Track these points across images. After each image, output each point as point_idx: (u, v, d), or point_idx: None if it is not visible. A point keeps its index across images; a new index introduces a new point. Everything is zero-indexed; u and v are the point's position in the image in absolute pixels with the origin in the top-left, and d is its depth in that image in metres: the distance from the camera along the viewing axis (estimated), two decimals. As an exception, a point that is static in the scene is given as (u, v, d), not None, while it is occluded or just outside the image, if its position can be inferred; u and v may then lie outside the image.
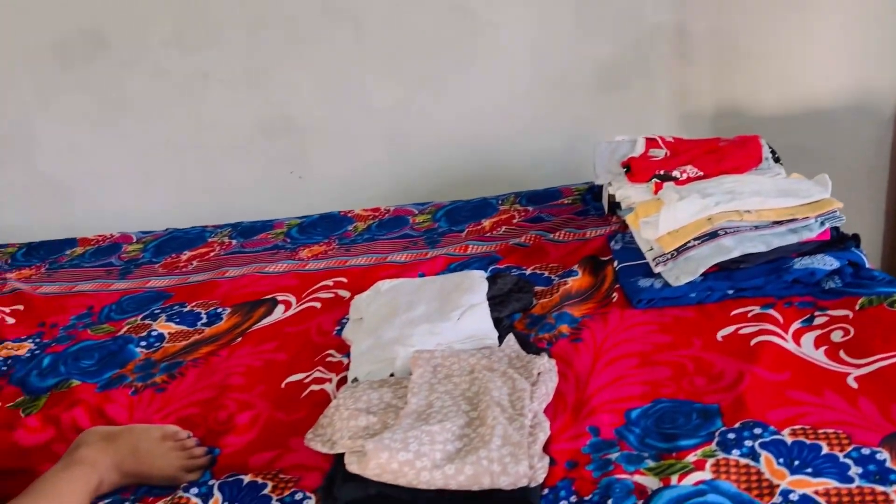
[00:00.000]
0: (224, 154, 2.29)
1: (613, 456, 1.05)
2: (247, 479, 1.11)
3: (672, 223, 1.45)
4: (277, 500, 1.06)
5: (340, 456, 1.06)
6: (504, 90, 2.20)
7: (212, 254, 1.94)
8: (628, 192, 1.68)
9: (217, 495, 1.09)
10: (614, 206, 1.76)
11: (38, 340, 1.60)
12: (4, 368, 1.49)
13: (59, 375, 1.44)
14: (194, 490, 1.10)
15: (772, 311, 1.31)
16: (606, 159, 1.82)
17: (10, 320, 1.68)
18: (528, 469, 0.96)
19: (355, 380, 1.26)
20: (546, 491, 1.00)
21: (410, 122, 2.25)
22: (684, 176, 1.65)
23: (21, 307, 1.73)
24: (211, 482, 1.11)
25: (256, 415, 1.25)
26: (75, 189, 2.35)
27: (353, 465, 1.00)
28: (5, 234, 2.22)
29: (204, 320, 1.60)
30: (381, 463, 0.97)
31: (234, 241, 2.00)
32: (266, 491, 1.08)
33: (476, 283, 1.47)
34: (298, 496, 1.06)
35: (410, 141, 2.26)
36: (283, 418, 1.24)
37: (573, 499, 0.99)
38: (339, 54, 2.20)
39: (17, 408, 1.36)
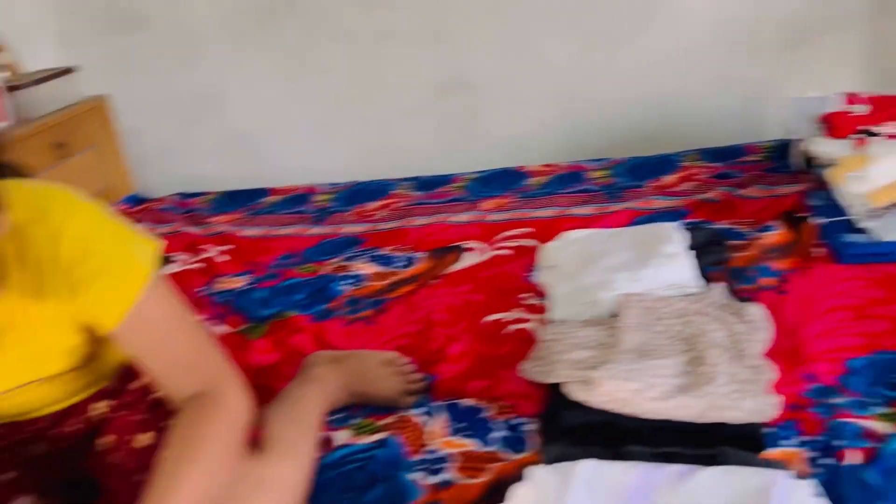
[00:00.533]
0: (402, 111, 2.38)
1: (838, 401, 1.04)
2: (467, 403, 1.18)
3: (885, 177, 1.40)
4: (500, 422, 1.12)
5: (556, 386, 1.12)
6: (683, 46, 2.17)
7: (396, 204, 2.03)
8: (827, 148, 1.63)
9: (443, 415, 1.16)
10: (808, 162, 1.71)
11: (251, 276, 1.73)
12: (224, 300, 1.64)
13: (275, 307, 1.57)
14: (420, 410, 1.18)
15: None
16: (800, 115, 1.77)
17: (223, 258, 1.83)
18: (758, 405, 0.97)
19: (555, 320, 1.31)
20: (770, 430, 1.01)
21: (585, 78, 2.26)
22: (890, 131, 1.59)
23: (231, 247, 1.88)
24: (433, 404, 1.19)
25: (466, 348, 1.32)
26: (263, 143, 2.51)
27: (578, 393, 1.05)
28: (201, 184, 2.41)
29: (399, 263, 1.69)
30: (608, 391, 1.01)
31: (415, 194, 2.08)
32: (486, 415, 1.15)
33: (672, 233, 1.48)
34: (518, 421, 1.12)
35: (585, 98, 2.27)
36: (490, 352, 1.30)
37: (799, 438, 0.99)
38: (517, 12, 2.23)
39: (243, 333, 1.49)
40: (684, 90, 2.20)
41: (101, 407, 1.06)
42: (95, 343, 0.99)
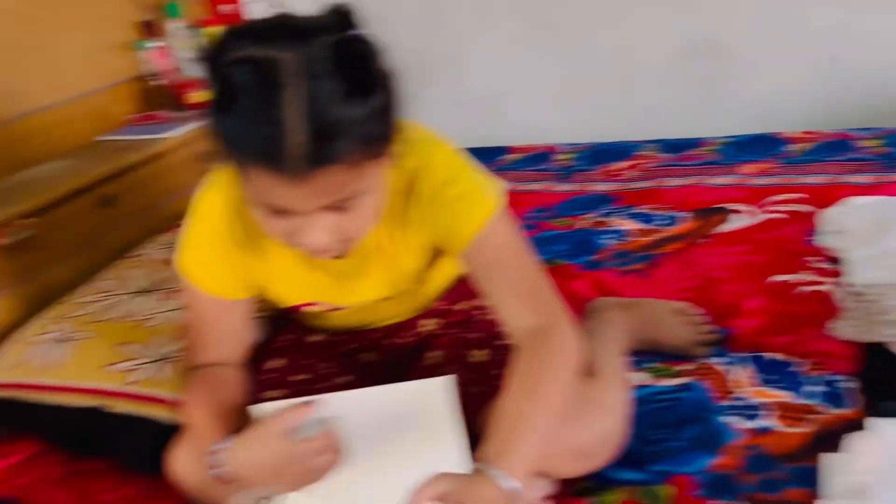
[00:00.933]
0: (646, 73, 2.35)
1: None
2: (771, 356, 1.16)
3: None
4: (814, 378, 1.10)
5: (873, 346, 1.07)
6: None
7: (645, 165, 2.02)
8: None
9: (748, 366, 1.15)
10: None
11: (508, 226, 1.78)
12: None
13: (543, 255, 1.60)
14: (721, 359, 1.18)
15: None
16: None
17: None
18: None
19: (855, 284, 1.26)
20: None
21: (849, 43, 2.13)
22: None
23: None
24: (731, 354, 1.18)
25: (761, 304, 1.30)
26: (501, 104, 2.56)
27: (915, 352, 1.00)
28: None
29: (662, 221, 1.68)
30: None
31: (662, 156, 2.06)
32: (797, 369, 1.13)
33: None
34: (834, 378, 1.09)
35: (849, 65, 2.14)
36: (789, 309, 1.27)
37: None
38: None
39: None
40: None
41: (430, 324, 1.14)
42: (435, 264, 1.07)
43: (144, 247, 1.52)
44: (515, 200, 1.89)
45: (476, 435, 1.00)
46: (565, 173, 2.07)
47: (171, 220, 1.66)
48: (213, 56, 0.76)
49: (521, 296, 0.96)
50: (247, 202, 0.84)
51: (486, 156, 2.29)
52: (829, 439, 0.98)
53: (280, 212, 0.80)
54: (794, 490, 0.94)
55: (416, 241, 0.99)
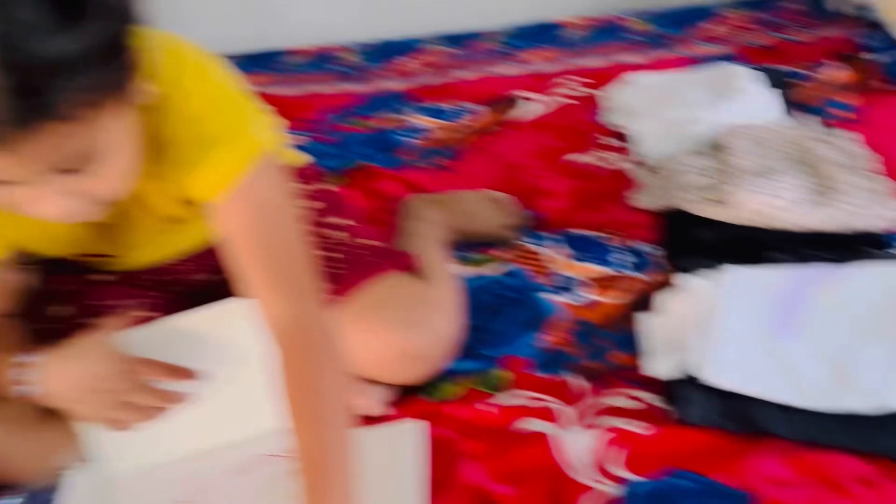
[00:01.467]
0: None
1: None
2: (579, 233, 1.21)
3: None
4: (622, 249, 1.16)
5: (673, 213, 1.15)
6: None
7: (433, 60, 1.99)
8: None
9: (556, 245, 1.20)
10: (854, 5, 1.74)
11: (304, 133, 1.70)
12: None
13: (346, 160, 1.55)
14: (534, 240, 1.21)
15: None
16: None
17: (267, 117, 1.78)
18: (888, 212, 1.03)
19: (645, 156, 1.34)
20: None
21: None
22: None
23: (271, 108, 1.83)
24: (543, 234, 1.22)
25: (562, 184, 1.34)
26: (270, 2, 2.38)
27: (706, 209, 1.09)
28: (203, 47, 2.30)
29: (457, 115, 1.68)
30: (746, 204, 1.05)
31: (449, 49, 2.04)
32: (605, 242, 1.19)
33: (740, 72, 1.50)
34: (640, 247, 1.16)
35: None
36: (588, 187, 1.33)
37: (916, 244, 1.06)
38: None
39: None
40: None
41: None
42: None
43: None
44: (304, 104, 1.84)
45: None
46: (355, 72, 2.00)
47: None
48: None
49: (273, 275, 0.78)
50: None
51: (264, 60, 2.16)
52: (644, 303, 1.05)
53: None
54: (618, 354, 1.00)
55: (175, 193, 0.83)
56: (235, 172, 0.76)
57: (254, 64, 2.14)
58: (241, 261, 0.78)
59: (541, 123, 1.59)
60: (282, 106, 1.81)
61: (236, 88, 0.81)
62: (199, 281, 1.06)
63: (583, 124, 1.55)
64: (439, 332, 0.96)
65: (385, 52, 2.08)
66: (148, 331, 0.92)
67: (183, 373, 0.91)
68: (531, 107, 1.66)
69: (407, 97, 1.80)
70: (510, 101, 1.69)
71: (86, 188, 0.67)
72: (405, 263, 1.02)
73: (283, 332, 0.78)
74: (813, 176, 1.11)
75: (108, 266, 1.00)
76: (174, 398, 0.91)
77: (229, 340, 0.91)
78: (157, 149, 0.76)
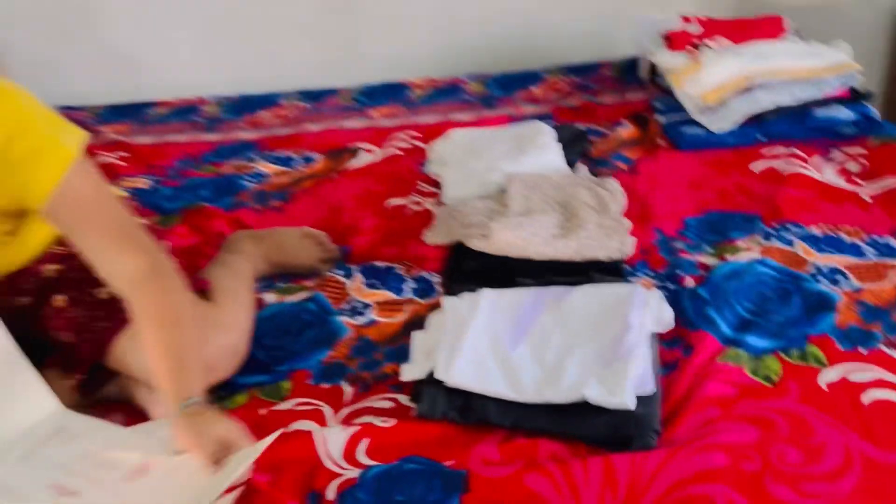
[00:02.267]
0: (286, 28, 2.46)
1: (678, 245, 1.32)
2: (379, 265, 1.37)
3: (713, 78, 1.69)
4: (410, 278, 1.32)
5: (456, 248, 1.33)
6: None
7: (287, 114, 2.15)
8: (669, 59, 1.91)
9: (358, 275, 1.35)
10: (654, 73, 2.00)
11: (152, 177, 1.82)
12: (130, 196, 1.72)
13: (185, 201, 1.68)
14: (340, 272, 1.36)
15: (797, 151, 1.58)
16: (646, 33, 2.04)
17: (121, 164, 1.89)
18: (619, 244, 1.23)
19: (447, 201, 1.52)
20: (627, 267, 1.27)
21: (457, 2, 2.44)
22: (718, 44, 1.89)
23: (126, 154, 1.95)
24: (350, 266, 1.37)
25: (375, 223, 1.50)
26: (143, 58, 2.51)
27: (476, 244, 1.26)
28: (79, 100, 2.40)
29: (299, 162, 1.84)
30: (501, 238, 1.23)
31: (304, 104, 2.21)
32: (398, 272, 1.34)
33: (544, 129, 1.71)
34: (425, 276, 1.33)
35: (458, 19, 2.45)
36: (396, 226, 1.49)
37: (649, 272, 1.26)
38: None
39: (157, 223, 1.59)
40: (549, 11, 2.43)
41: (52, 269, 1.16)
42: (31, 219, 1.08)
43: None
44: (162, 152, 1.97)
45: (107, 368, 1.08)
46: (212, 123, 2.14)
47: None
48: None
49: (118, 241, 0.99)
50: None
51: (132, 112, 2.28)
52: (419, 323, 1.21)
53: None
54: (389, 365, 1.14)
55: (4, 203, 0.99)
56: (58, 175, 0.95)
57: (120, 114, 2.25)
58: (91, 240, 0.98)
59: (370, 171, 1.76)
60: (139, 153, 1.95)
61: (43, 114, 0.98)
62: (12, 303, 1.16)
63: (407, 172, 1.72)
64: (223, 346, 1.09)
65: (244, 106, 2.23)
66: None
67: None
68: (366, 157, 1.83)
69: (257, 146, 1.95)
70: (349, 152, 1.86)
71: None
72: (198, 287, 1.15)
73: (142, 280, 0.98)
74: (567, 217, 1.30)
75: None
76: None
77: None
78: None
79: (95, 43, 2.48)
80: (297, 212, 1.61)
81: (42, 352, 1.14)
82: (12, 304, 1.15)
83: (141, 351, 1.01)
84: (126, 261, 0.98)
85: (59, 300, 1.13)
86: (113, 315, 1.09)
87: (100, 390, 1.12)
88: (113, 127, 2.16)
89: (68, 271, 1.15)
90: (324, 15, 2.47)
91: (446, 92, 2.19)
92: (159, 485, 0.91)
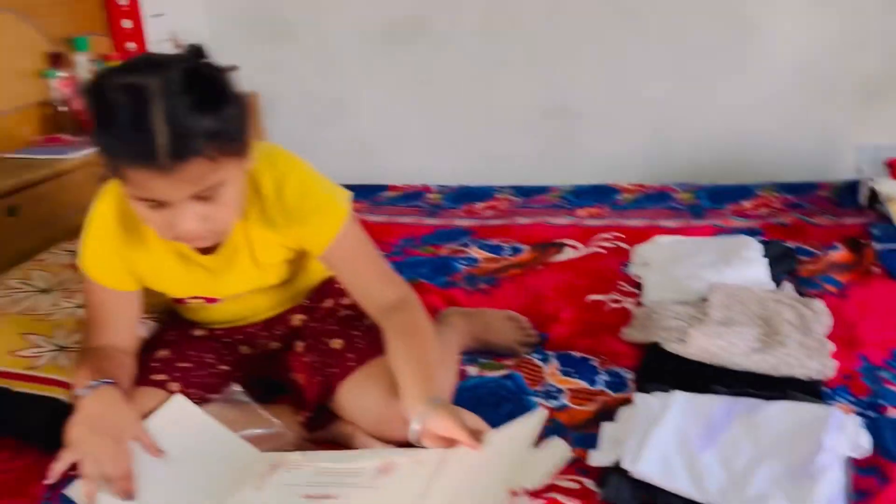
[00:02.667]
0: (509, 128, 2.69)
1: (884, 374, 1.30)
2: (576, 354, 1.46)
3: (939, 211, 1.65)
4: (604, 371, 1.40)
5: (652, 347, 1.39)
6: (768, 90, 2.43)
7: (500, 206, 2.33)
8: (891, 187, 1.88)
9: (554, 361, 1.45)
10: (873, 199, 1.96)
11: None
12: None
13: (406, 276, 1.85)
14: (538, 356, 1.46)
15: None
16: (869, 159, 2.02)
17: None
18: (820, 365, 1.23)
19: (645, 302, 1.59)
20: (827, 389, 1.26)
21: (677, 112, 2.54)
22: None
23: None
24: (547, 352, 1.47)
25: (574, 315, 1.60)
26: (379, 146, 2.84)
27: (672, 346, 1.32)
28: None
29: (507, 252, 1.99)
30: (700, 345, 1.28)
31: (517, 199, 2.38)
32: (593, 363, 1.43)
33: (751, 243, 1.74)
34: (619, 370, 1.40)
35: (675, 129, 2.54)
36: (594, 319, 1.58)
37: (850, 397, 1.25)
38: (620, 49, 2.52)
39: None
40: (766, 129, 2.46)
41: (299, 319, 1.37)
42: (300, 264, 1.31)
43: (47, 252, 1.68)
44: (389, 231, 2.21)
45: (327, 408, 1.25)
46: (434, 209, 2.36)
47: (71, 232, 1.83)
48: (94, 87, 1.00)
49: (379, 278, 1.24)
50: (130, 203, 1.05)
51: (368, 192, 2.57)
52: (609, 414, 1.28)
53: (156, 204, 1.02)
54: (577, 449, 1.22)
55: (276, 241, 1.22)
56: (336, 228, 1.19)
57: (358, 194, 2.53)
58: (358, 277, 1.22)
59: (573, 266, 1.87)
60: (370, 230, 2.20)
61: (322, 178, 1.23)
62: (265, 346, 1.37)
63: (608, 271, 1.81)
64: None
65: (463, 196, 2.44)
66: (173, 412, 1.20)
67: (155, 450, 1.13)
68: (570, 252, 1.95)
69: (471, 233, 2.14)
70: (555, 246, 1.99)
71: (211, 214, 1.04)
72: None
73: (393, 308, 1.20)
74: (767, 331, 1.33)
75: (210, 314, 1.33)
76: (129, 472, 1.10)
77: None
78: (269, 208, 1.16)
79: (344, 130, 2.84)
80: (502, 296, 1.75)
81: (278, 389, 1.35)
82: (266, 347, 1.37)
83: (364, 394, 1.18)
84: (386, 292, 1.21)
85: (300, 346, 1.33)
86: (341, 363, 1.26)
87: (323, 429, 1.28)
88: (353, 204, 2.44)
89: (310, 321, 1.36)
90: (541, 117, 2.67)
91: (655, 198, 2.27)
92: (440, 475, 1.01)
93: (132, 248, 1.19)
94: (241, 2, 2.81)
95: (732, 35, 2.42)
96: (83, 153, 1.93)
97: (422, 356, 1.16)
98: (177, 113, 0.95)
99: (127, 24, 2.28)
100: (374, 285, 1.22)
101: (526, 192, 2.43)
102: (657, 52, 2.50)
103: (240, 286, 1.28)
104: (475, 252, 2.00)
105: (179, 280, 1.25)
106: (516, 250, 1.99)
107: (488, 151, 2.74)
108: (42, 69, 2.07)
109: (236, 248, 1.21)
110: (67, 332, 1.39)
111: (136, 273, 1.22)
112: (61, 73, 2.08)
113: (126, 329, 1.25)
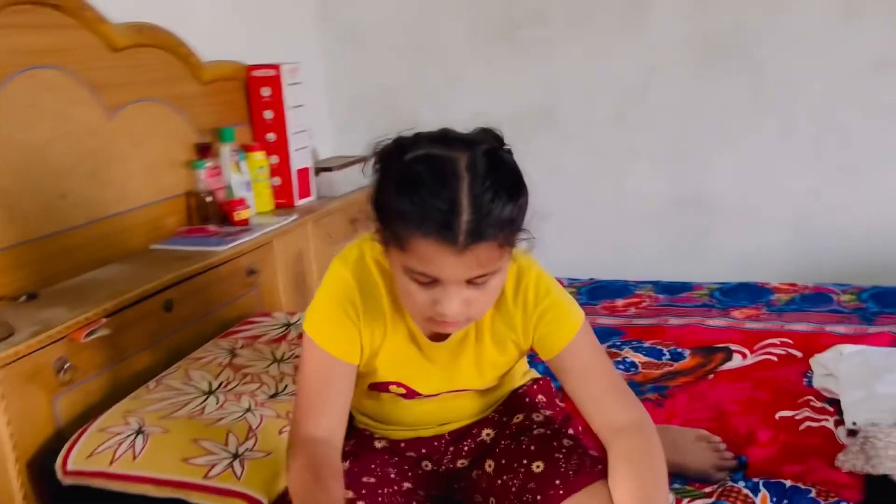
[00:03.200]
0: (642, 219, 2.59)
1: None
2: (786, 483, 1.31)
3: None
4: (821, 501, 1.25)
5: (882, 479, 1.24)
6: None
7: (643, 304, 2.22)
8: None
9: (764, 491, 1.30)
10: None
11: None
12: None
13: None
14: (742, 484, 1.32)
15: None
16: None
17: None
18: None
19: (854, 423, 1.43)
20: None
21: (821, 207, 2.41)
22: None
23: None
24: (753, 480, 1.33)
25: (773, 436, 1.45)
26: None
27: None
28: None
29: (667, 356, 1.86)
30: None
31: (660, 296, 2.26)
32: (811, 495, 1.27)
33: (954, 357, 1.58)
34: (837, 501, 1.24)
35: (822, 225, 2.41)
36: (797, 442, 1.43)
37: None
38: (760, 143, 2.43)
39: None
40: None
41: (487, 434, 1.27)
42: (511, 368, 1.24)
43: (203, 350, 1.63)
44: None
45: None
46: (572, 306, 2.26)
47: (223, 326, 1.78)
48: (393, 153, 0.99)
49: (612, 395, 1.14)
50: (396, 273, 1.02)
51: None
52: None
53: (430, 281, 0.98)
54: None
55: (508, 337, 1.16)
56: (572, 333, 1.13)
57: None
58: (589, 388, 1.13)
59: (746, 375, 1.73)
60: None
61: (557, 283, 1.17)
62: (450, 463, 1.27)
63: (788, 382, 1.67)
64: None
65: (597, 291, 2.34)
66: None
67: None
68: (738, 360, 1.81)
69: (621, 333, 2.02)
70: (721, 351, 1.85)
71: (475, 300, 1.00)
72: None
73: (623, 430, 1.10)
74: None
75: (402, 411, 1.24)
76: None
77: None
78: (509, 302, 1.13)
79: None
80: (677, 408, 1.61)
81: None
82: (451, 464, 1.27)
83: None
84: (618, 410, 1.12)
85: (490, 465, 1.22)
86: (543, 489, 1.14)
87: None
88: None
89: (501, 438, 1.25)
90: (674, 206, 2.57)
91: (812, 299, 2.13)
92: None
93: (368, 318, 1.13)
94: (361, 91, 2.83)
95: (887, 122, 2.31)
96: (232, 245, 1.90)
97: (648, 486, 1.05)
98: (482, 194, 0.93)
99: (268, 114, 2.29)
100: (607, 400, 1.13)
101: (668, 289, 2.31)
102: (802, 145, 2.40)
103: (451, 382, 1.21)
104: (633, 355, 1.88)
105: (398, 362, 1.18)
106: (677, 355, 1.86)
107: (620, 244, 2.64)
108: (189, 159, 2.08)
109: (466, 340, 1.15)
110: (240, 438, 1.32)
111: (359, 344, 1.14)
112: (208, 163, 2.08)
113: (340, 414, 1.14)
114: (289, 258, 2.09)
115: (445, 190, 0.92)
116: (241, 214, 2.06)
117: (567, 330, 1.13)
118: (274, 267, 2.02)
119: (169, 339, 1.67)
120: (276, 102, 2.26)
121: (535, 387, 1.36)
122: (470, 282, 0.98)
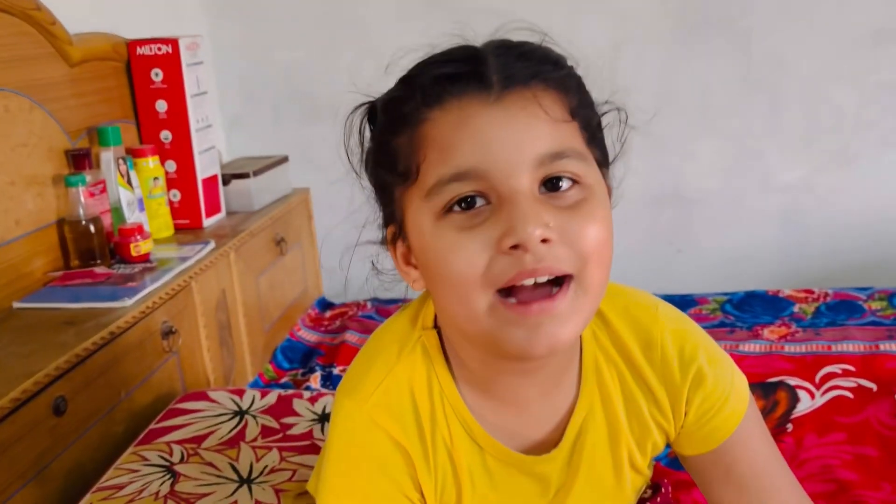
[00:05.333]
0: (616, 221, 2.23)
1: None
2: None
3: None
4: None
5: None
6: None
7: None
8: None
9: None
10: None
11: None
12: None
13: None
14: None
15: None
16: None
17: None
18: None
19: None
20: None
21: (813, 200, 2.15)
22: None
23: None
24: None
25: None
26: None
27: None
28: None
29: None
30: None
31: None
32: None
33: None
34: None
35: (810, 220, 2.16)
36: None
37: None
38: (747, 126, 2.14)
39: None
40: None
41: None
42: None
43: (120, 471, 1.07)
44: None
45: None
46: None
47: (138, 423, 1.23)
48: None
49: (786, 486, 0.78)
50: (424, 240, 0.67)
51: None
52: None
53: (481, 207, 0.64)
54: None
55: (650, 416, 0.77)
56: (741, 412, 0.77)
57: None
58: (760, 475, 0.78)
59: (831, 422, 1.39)
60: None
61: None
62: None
63: (885, 427, 1.35)
64: None
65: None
66: None
67: None
68: (805, 399, 1.48)
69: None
70: (780, 388, 1.51)
71: (566, 226, 0.64)
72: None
73: None
74: None
75: None
76: None
77: None
78: (628, 364, 0.76)
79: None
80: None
81: None
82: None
83: None
84: None
85: None
86: None
87: None
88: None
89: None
90: (651, 208, 2.23)
91: (840, 309, 1.84)
92: None
93: (414, 454, 0.72)
94: (258, 72, 2.26)
95: (883, 105, 2.06)
96: (139, 297, 1.33)
97: None
98: (505, 43, 0.72)
99: (161, 106, 1.70)
100: (781, 496, 0.77)
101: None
102: (792, 128, 2.12)
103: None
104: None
105: (489, 496, 0.76)
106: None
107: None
108: (62, 173, 1.47)
109: (586, 434, 0.76)
110: None
111: (414, 497, 0.73)
112: (87, 177, 1.48)
113: None
114: (210, 305, 1.53)
115: (451, 51, 0.70)
116: (140, 247, 1.48)
117: (735, 405, 0.77)
118: (195, 320, 1.46)
119: (62, 458, 1.10)
120: (174, 90, 1.68)
121: (658, 500, 0.95)
122: (551, 202, 0.64)
